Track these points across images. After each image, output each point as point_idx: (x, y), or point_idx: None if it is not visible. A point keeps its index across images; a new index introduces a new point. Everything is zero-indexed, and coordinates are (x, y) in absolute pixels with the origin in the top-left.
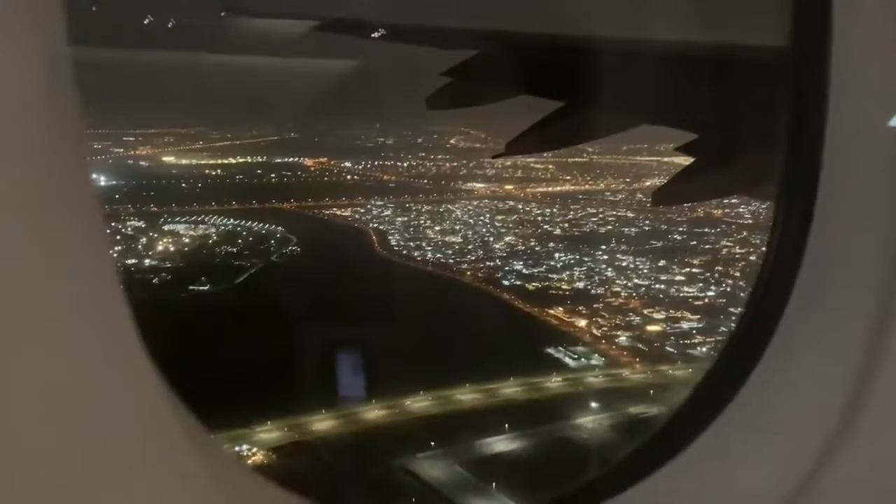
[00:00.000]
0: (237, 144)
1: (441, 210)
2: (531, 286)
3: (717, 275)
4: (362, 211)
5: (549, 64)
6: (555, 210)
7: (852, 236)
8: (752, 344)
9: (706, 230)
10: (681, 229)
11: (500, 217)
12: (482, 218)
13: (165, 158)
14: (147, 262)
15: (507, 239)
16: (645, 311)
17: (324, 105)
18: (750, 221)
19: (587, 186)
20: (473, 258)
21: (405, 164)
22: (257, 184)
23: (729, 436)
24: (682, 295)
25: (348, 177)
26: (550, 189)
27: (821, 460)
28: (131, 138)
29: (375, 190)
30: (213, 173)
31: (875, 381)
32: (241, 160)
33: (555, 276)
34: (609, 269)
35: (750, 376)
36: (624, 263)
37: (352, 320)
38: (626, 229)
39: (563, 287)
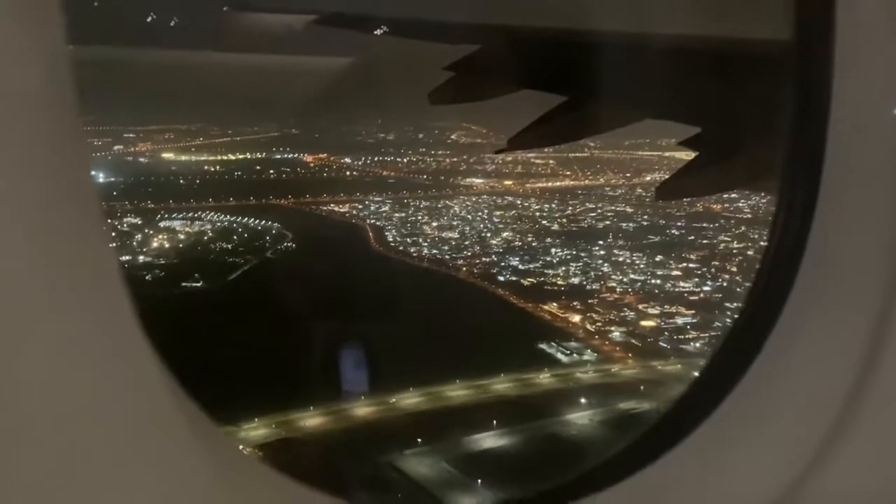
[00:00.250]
0: (237, 141)
1: (439, 206)
2: (526, 282)
3: (713, 270)
4: (360, 207)
5: (552, 58)
6: (553, 205)
7: (854, 230)
8: (751, 337)
9: (704, 225)
10: (679, 224)
11: (498, 213)
12: (480, 213)
13: (165, 155)
14: (141, 258)
15: (504, 235)
16: (640, 307)
17: (325, 101)
18: (749, 216)
19: (587, 182)
20: (469, 254)
21: (405, 160)
22: (256, 180)
23: (727, 429)
24: (677, 290)
25: (347, 173)
26: (550, 184)
27: (820, 454)
28: (132, 135)
29: (374, 186)
30: (212, 170)
31: (876, 375)
32: (240, 156)
33: (550, 271)
34: (605, 265)
35: (749, 369)
36: (620, 259)
37: (344, 317)
38: (625, 224)
39: (559, 282)
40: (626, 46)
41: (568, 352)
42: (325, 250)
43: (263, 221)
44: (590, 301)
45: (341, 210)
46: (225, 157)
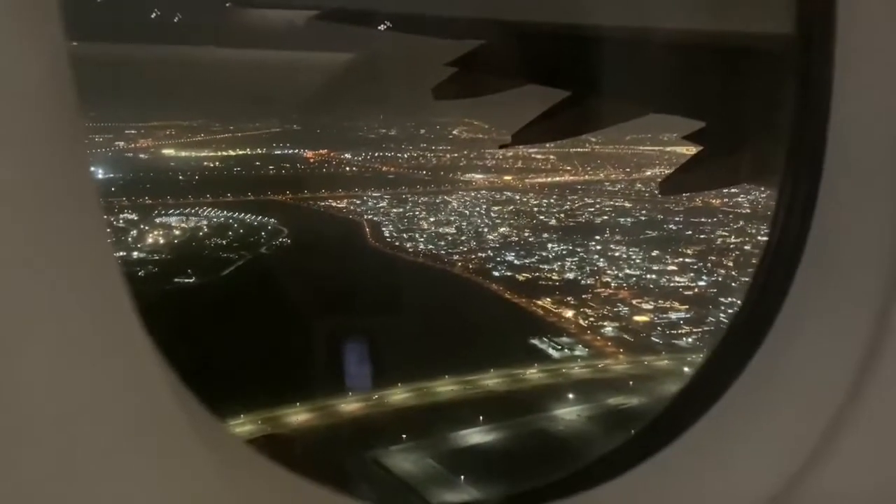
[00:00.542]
0: (238, 136)
1: (437, 201)
2: (521, 277)
3: (709, 265)
4: (358, 202)
5: (556, 53)
6: (552, 200)
7: (855, 226)
8: (750, 333)
9: (702, 220)
10: (677, 219)
11: (496, 208)
12: (478, 209)
13: (165, 151)
14: (135, 254)
15: (501, 230)
16: (633, 302)
17: (327, 97)
18: (748, 211)
19: (587, 177)
20: (465, 249)
21: (405, 156)
22: (255, 176)
23: (726, 424)
24: (672, 285)
25: (347, 169)
26: (549, 179)
27: (818, 451)
28: (133, 131)
29: (373, 181)
30: (212, 165)
31: (875, 372)
32: (240, 152)
33: (546, 266)
34: (601, 260)
35: (748, 365)
36: (617, 254)
37: (336, 312)
38: (622, 219)
39: (553, 278)
40: (629, 41)
41: (559, 347)
42: (320, 246)
43: (259, 217)
44: (584, 296)
45: (339, 206)
46: (225, 154)
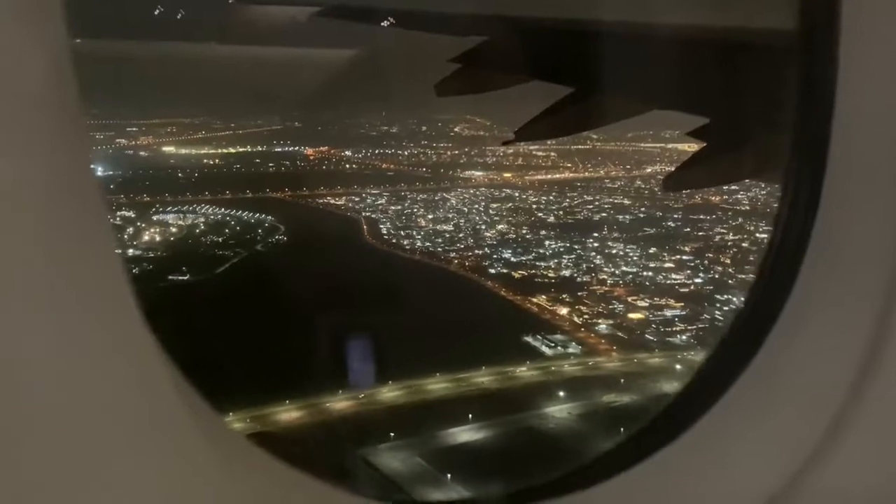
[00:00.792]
0: (239, 134)
1: (436, 199)
2: (517, 274)
3: (706, 262)
4: (357, 200)
5: (559, 49)
6: (551, 198)
7: (859, 220)
8: (753, 332)
9: (701, 217)
10: (675, 216)
11: (494, 205)
12: (476, 206)
13: (166, 149)
14: (130, 251)
15: (498, 227)
16: (629, 299)
17: (329, 94)
18: (747, 208)
19: (587, 174)
20: (462, 246)
21: (405, 153)
22: (254, 173)
23: (727, 422)
24: (668, 282)
25: (347, 166)
26: (549, 177)
27: (820, 449)
28: (134, 129)
29: (373, 179)
30: (211, 163)
31: (877, 371)
32: (240, 150)
33: (542, 263)
34: (598, 257)
35: (750, 363)
36: (614, 251)
37: (328, 310)
38: (621, 217)
39: (550, 275)
40: (632, 37)
41: (553, 344)
42: (316, 243)
43: (257, 214)
44: (579, 293)
45: (337, 203)
46: (225, 151)
